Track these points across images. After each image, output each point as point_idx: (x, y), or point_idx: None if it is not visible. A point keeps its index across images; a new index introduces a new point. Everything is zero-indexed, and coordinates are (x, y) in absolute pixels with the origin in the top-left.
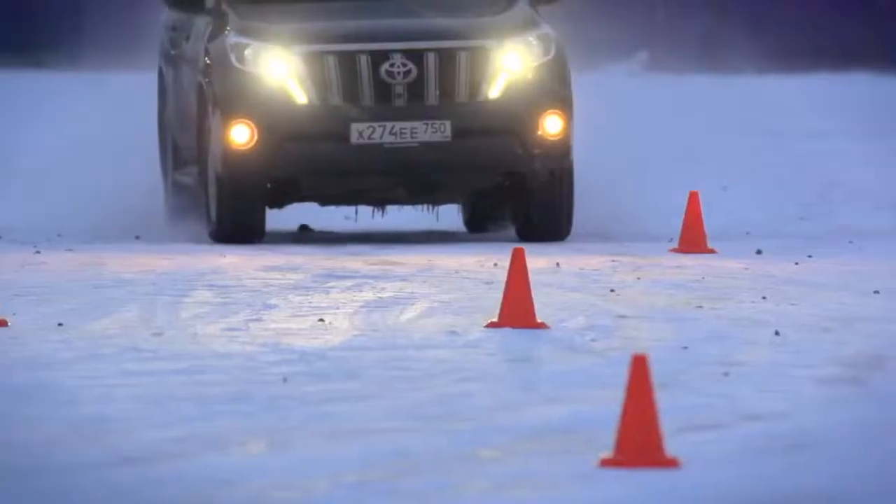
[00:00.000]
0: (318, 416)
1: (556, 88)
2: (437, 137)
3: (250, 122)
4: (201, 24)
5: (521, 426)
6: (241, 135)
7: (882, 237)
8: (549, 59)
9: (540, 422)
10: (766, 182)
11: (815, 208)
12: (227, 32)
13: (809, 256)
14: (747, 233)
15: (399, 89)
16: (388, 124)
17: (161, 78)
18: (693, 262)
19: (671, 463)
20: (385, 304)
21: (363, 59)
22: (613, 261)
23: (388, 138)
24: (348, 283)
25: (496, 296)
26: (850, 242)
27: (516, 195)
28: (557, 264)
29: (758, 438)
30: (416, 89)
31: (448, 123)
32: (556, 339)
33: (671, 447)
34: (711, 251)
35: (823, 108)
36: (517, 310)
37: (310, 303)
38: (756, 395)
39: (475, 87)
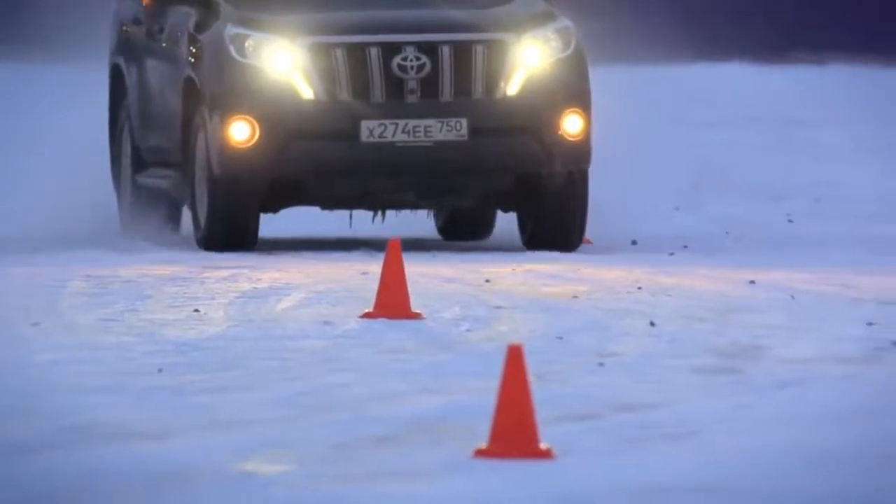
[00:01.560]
0: (193, 406)
1: (575, 85)
2: (453, 136)
3: (251, 119)
4: (179, 15)
5: (396, 416)
6: (240, 132)
7: (758, 227)
8: (568, 54)
9: (415, 412)
10: (642, 171)
11: (690, 199)
12: (221, 23)
13: (685, 247)
14: (623, 224)
15: (412, 84)
16: (401, 122)
17: (115, 75)
18: (569, 253)
19: (545, 454)
20: (260, 294)
21: (374, 51)
22: (488, 251)
23: (400, 137)
24: (223, 273)
25: (372, 287)
26: (727, 233)
27: (527, 200)
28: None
29: (633, 428)
30: (429, 85)
31: (464, 121)
32: (432, 329)
33: (546, 438)
34: (587, 241)
35: (706, 99)
36: (392, 301)
37: (185, 293)
38: (631, 385)
39: (492, 82)
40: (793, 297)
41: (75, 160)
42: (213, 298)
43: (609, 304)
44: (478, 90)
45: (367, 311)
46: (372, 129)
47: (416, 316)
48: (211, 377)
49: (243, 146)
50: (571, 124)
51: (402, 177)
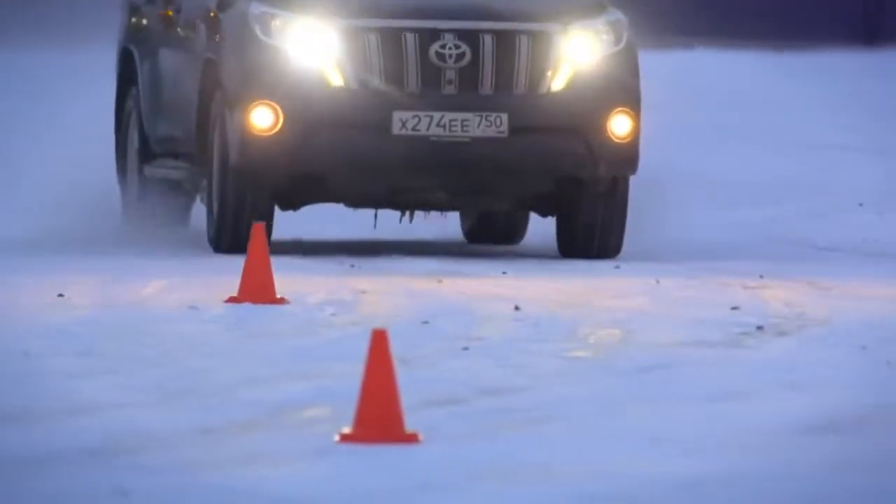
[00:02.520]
0: (58, 391)
1: (625, 83)
2: (492, 132)
3: (275, 105)
4: None
5: (262, 401)
6: (262, 119)
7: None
8: (619, 50)
9: (281, 397)
10: None
11: None
12: (246, 0)
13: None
14: None
15: (450, 74)
16: (436, 114)
17: (124, 60)
18: (434, 238)
19: (411, 438)
20: (125, 279)
21: (410, 37)
22: (353, 237)
23: (435, 130)
24: (90, 256)
25: (237, 271)
26: None
27: (567, 205)
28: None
29: (497, 413)
30: (469, 76)
31: (505, 117)
32: (296, 314)
33: (411, 422)
34: None
35: None
36: (257, 285)
37: (50, 277)
38: (495, 370)
39: (536, 76)
40: (658, 282)
41: (76, 151)
42: (77, 282)
43: (474, 288)
44: (520, 84)
45: (231, 295)
46: (405, 121)
47: (281, 301)
48: (76, 362)
49: (265, 134)
50: (619, 125)
51: (435, 174)
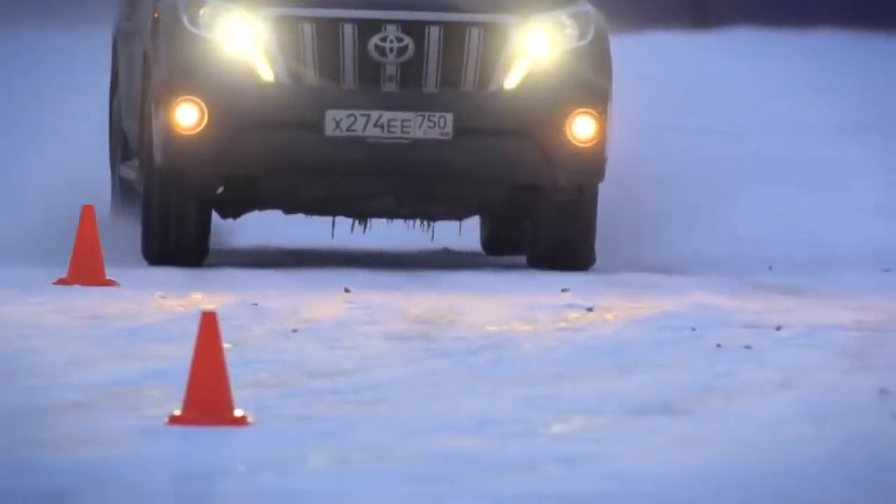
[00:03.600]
0: None
1: (590, 81)
2: (435, 134)
3: (199, 101)
4: None
5: (91, 383)
6: (187, 116)
7: None
8: (584, 44)
9: (110, 378)
10: None
11: None
12: None
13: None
14: None
15: (391, 70)
16: (374, 113)
17: (113, 52)
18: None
19: (240, 420)
20: None
21: (348, 28)
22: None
23: (372, 131)
24: None
25: (67, 253)
26: None
27: (530, 213)
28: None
29: (327, 395)
30: (411, 72)
31: (449, 117)
32: (126, 295)
33: (240, 404)
34: None
35: None
36: (86, 267)
37: None
38: (325, 352)
39: (487, 73)
40: (487, 266)
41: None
42: None
43: (304, 271)
44: (469, 81)
45: (60, 277)
46: (339, 121)
47: (110, 283)
48: None
49: (189, 133)
50: (581, 128)
51: (372, 179)
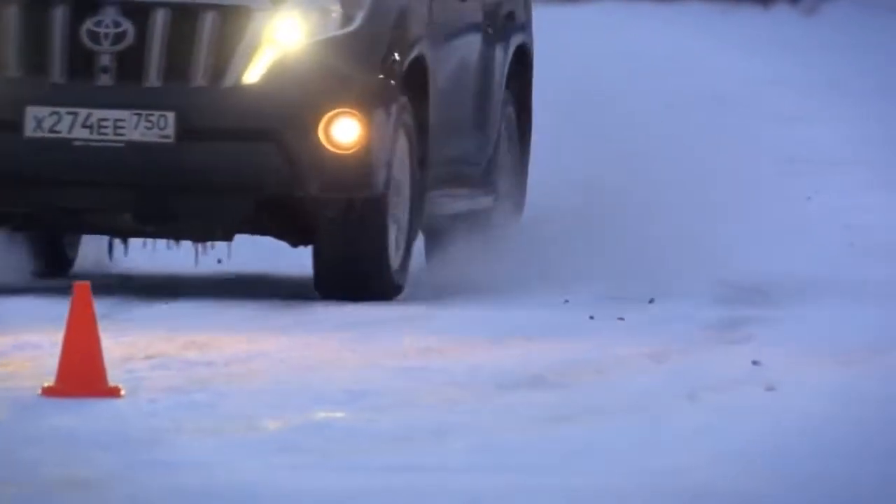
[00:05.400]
0: None
1: (353, 76)
2: (153, 137)
3: None
4: None
5: None
6: None
7: None
8: (351, 32)
9: None
10: None
11: None
12: None
13: None
14: None
15: (105, 60)
16: (83, 112)
17: None
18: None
19: (113, 392)
20: None
21: (59, 11)
22: None
23: (79, 132)
24: None
25: None
26: None
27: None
28: None
29: (200, 367)
30: (131, 62)
31: (171, 117)
32: None
33: (113, 376)
34: None
35: None
36: None
37: None
38: (198, 323)
39: (222, 65)
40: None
41: None
42: None
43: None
44: (199, 75)
45: None
46: (41, 120)
47: None
48: None
49: None
50: (340, 131)
51: (81, 188)
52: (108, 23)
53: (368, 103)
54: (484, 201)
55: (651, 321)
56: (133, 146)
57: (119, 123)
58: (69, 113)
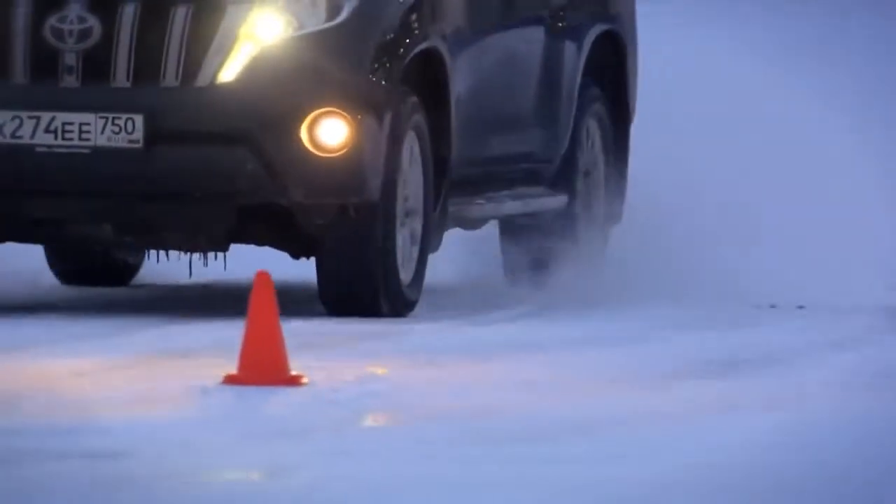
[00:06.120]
0: None
1: (339, 73)
2: (121, 142)
3: None
4: None
5: (149, 344)
6: None
7: None
8: (336, 25)
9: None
10: None
11: None
12: None
13: None
14: None
15: (70, 59)
16: (46, 115)
17: None
18: None
19: (295, 380)
20: None
21: (22, 7)
22: None
23: (42, 138)
24: None
25: None
26: None
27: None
28: None
29: (382, 357)
30: (97, 61)
31: (139, 120)
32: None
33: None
34: None
35: None
36: None
37: None
38: None
39: (195, 63)
40: None
41: None
42: None
43: None
44: (170, 74)
45: None
46: (2, 126)
47: None
48: None
49: None
50: (326, 132)
51: (46, 198)
52: (73, 18)
53: (358, 102)
54: (553, 201)
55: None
56: (99, 152)
57: (84, 128)
58: (31, 117)
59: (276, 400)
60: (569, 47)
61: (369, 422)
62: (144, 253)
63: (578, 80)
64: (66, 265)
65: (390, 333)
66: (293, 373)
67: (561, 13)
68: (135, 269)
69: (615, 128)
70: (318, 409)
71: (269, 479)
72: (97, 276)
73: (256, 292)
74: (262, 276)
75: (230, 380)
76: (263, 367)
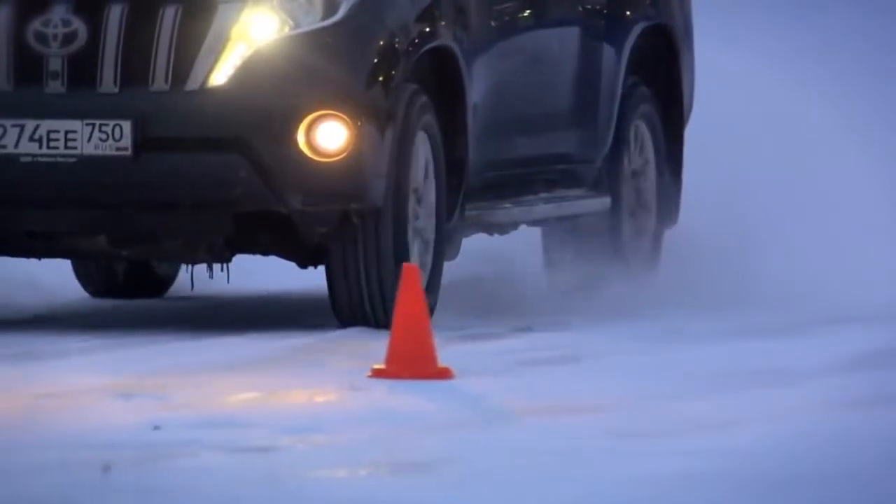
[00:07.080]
0: None
1: (337, 73)
2: (108, 149)
3: None
4: None
5: (296, 338)
6: None
7: None
8: (331, 24)
9: (313, 335)
10: None
11: None
12: None
13: None
14: None
15: (55, 64)
16: (30, 123)
17: None
18: None
19: (444, 373)
20: None
21: (5, 11)
22: None
23: (26, 147)
24: None
25: None
26: None
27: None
28: None
29: (528, 352)
30: (83, 66)
31: (127, 126)
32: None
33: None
34: None
35: None
36: None
37: None
38: None
39: (185, 65)
40: None
41: None
42: None
43: None
44: (159, 77)
45: None
46: None
47: None
48: None
49: None
50: (324, 136)
51: (34, 209)
52: (57, 22)
53: (358, 104)
54: (594, 203)
55: None
56: (86, 161)
57: (70, 136)
58: (15, 125)
59: (426, 394)
60: (608, 44)
61: (518, 415)
62: (178, 265)
63: (621, 78)
64: (96, 281)
65: (529, 330)
66: (441, 366)
67: (599, 8)
68: (169, 280)
69: (667, 128)
70: (467, 402)
71: (419, 474)
72: (131, 290)
73: (404, 286)
74: (410, 269)
75: (378, 373)
76: (412, 361)
